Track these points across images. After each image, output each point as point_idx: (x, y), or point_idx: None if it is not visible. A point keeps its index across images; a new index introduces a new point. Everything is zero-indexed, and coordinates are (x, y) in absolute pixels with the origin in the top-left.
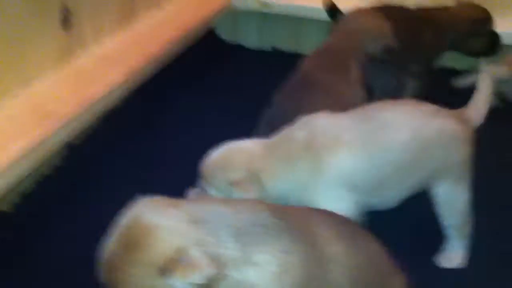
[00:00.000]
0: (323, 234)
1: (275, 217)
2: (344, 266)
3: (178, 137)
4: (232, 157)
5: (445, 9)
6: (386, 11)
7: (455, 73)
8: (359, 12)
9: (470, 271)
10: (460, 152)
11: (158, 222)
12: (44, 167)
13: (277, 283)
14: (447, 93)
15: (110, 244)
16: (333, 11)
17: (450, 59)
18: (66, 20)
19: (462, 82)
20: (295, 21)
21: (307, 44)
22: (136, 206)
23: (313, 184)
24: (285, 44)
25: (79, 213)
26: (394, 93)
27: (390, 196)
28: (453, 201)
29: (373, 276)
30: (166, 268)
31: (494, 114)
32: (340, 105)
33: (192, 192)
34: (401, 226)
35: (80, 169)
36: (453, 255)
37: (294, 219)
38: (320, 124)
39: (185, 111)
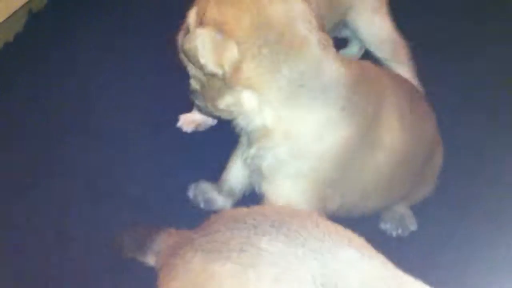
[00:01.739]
0: (388, 120)
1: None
2: (392, 152)
3: None
4: None
5: None
6: None
7: None
8: None
9: None
10: None
11: None
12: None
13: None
14: None
15: None
16: None
17: None
18: None
19: None
20: None
21: None
22: None
23: None
24: None
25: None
26: None
27: None
28: (374, 31)
29: (421, 154)
30: None
31: None
32: None
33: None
34: None
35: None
36: None
37: (368, 90)
38: None
39: None
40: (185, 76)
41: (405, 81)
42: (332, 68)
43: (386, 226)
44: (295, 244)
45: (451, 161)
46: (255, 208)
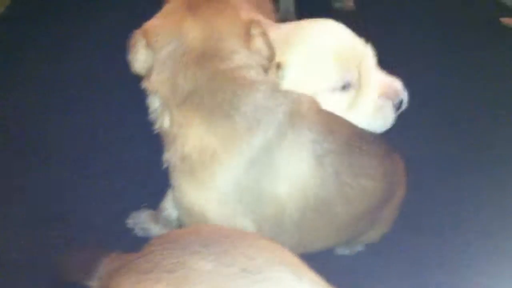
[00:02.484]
0: (296, 155)
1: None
2: (301, 192)
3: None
4: None
5: None
6: None
7: None
8: None
9: None
10: None
11: None
12: None
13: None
14: None
15: None
16: None
17: None
18: None
19: None
20: None
21: None
22: None
23: None
24: None
25: None
26: None
27: None
28: None
29: (355, 207)
30: None
31: None
32: None
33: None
34: None
35: None
36: None
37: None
38: None
39: None
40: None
41: (351, 127)
42: (229, 88)
43: None
44: (224, 263)
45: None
46: (192, 228)
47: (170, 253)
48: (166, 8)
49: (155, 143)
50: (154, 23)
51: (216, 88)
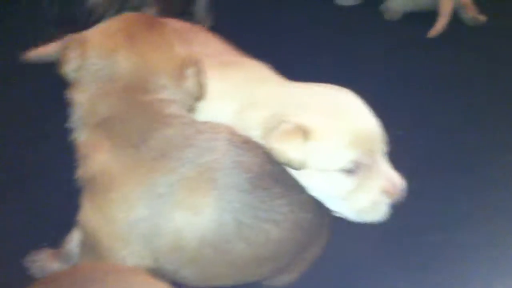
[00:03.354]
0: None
1: None
2: (199, 224)
3: None
4: None
5: None
6: None
7: None
8: None
9: None
10: None
11: None
12: None
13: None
14: None
15: None
16: None
17: None
18: None
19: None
20: None
21: None
22: None
23: None
24: None
25: None
26: None
27: None
28: None
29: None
30: None
31: None
32: None
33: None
34: None
35: None
36: None
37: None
38: None
39: None
40: None
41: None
42: (143, 119)
43: None
44: None
45: None
46: (79, 266)
47: None
48: (107, 26)
49: (57, 182)
50: (93, 38)
51: (130, 118)
